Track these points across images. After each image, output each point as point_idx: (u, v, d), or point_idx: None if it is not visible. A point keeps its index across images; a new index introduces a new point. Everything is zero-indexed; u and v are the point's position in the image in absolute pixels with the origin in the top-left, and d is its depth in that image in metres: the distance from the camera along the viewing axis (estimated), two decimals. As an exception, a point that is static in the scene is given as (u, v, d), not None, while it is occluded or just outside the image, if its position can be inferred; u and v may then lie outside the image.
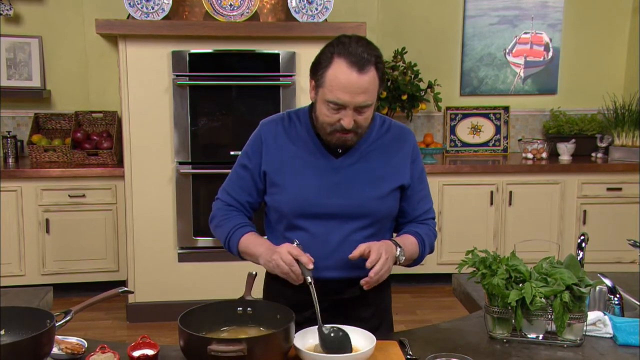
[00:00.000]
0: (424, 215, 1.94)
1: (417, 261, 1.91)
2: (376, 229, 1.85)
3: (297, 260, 1.68)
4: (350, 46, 1.69)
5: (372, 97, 1.71)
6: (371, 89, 1.70)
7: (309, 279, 1.65)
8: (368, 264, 1.69)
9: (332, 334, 1.62)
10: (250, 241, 1.85)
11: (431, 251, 1.95)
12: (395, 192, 1.86)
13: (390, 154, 1.86)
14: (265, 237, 1.93)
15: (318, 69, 1.73)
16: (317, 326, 1.63)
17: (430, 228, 1.94)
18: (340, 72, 1.68)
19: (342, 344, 1.60)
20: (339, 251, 1.79)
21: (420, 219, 1.93)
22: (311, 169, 1.83)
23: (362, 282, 1.71)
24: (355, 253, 1.71)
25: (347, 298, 1.86)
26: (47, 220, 4.22)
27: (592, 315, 1.78)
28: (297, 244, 1.75)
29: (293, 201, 1.83)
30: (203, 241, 4.06)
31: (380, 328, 1.85)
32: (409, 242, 1.86)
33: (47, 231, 4.23)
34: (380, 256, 1.70)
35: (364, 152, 1.84)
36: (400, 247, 1.79)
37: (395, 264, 1.79)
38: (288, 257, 1.69)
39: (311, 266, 1.67)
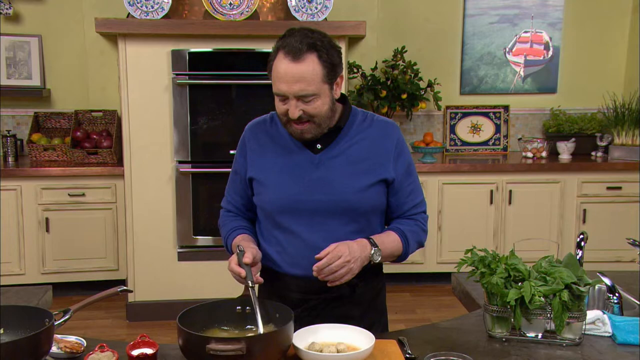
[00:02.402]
0: (412, 209, 1.91)
1: (400, 258, 1.89)
2: (361, 225, 1.84)
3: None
4: (288, 38, 1.73)
5: (311, 86, 1.71)
6: (308, 77, 1.70)
7: (250, 283, 1.69)
8: (319, 263, 1.70)
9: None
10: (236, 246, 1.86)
11: (420, 246, 1.93)
12: (378, 186, 1.84)
13: (371, 148, 1.85)
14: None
15: (269, 65, 1.78)
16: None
17: (418, 223, 1.91)
18: (278, 63, 1.73)
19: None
20: (324, 248, 1.78)
21: (409, 214, 1.91)
22: (291, 166, 1.84)
23: (313, 268, 1.71)
24: (322, 253, 1.71)
25: (335, 296, 1.86)
26: (47, 219, 4.22)
27: (591, 314, 1.78)
28: (237, 252, 1.75)
29: (275, 199, 1.84)
30: (203, 240, 4.06)
31: (373, 328, 1.85)
32: (389, 239, 1.84)
33: (47, 230, 4.23)
34: (340, 257, 1.69)
35: (344, 147, 1.84)
36: (376, 246, 1.78)
37: (369, 263, 1.78)
38: (232, 267, 1.74)
39: (244, 274, 1.69)
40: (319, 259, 1.70)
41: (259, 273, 1.81)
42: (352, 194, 1.81)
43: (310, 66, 1.70)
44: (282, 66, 1.71)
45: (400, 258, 1.90)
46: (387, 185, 1.87)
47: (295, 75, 1.69)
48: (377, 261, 1.80)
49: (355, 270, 1.73)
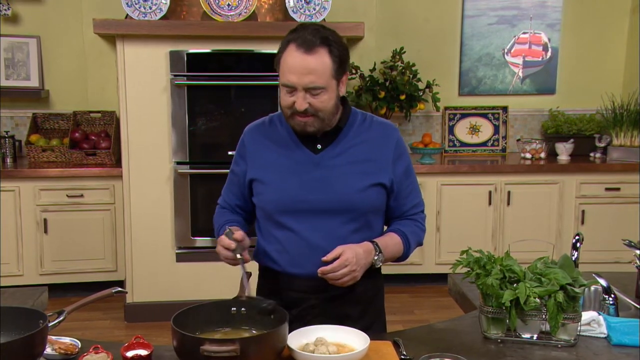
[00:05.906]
0: (412, 210, 1.95)
1: (400, 259, 1.94)
2: (361, 223, 1.86)
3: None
4: (300, 32, 1.75)
5: (321, 79, 1.73)
6: (319, 70, 1.72)
7: (238, 255, 1.75)
8: (325, 267, 1.72)
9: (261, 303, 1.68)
10: None
11: (419, 245, 1.98)
12: (378, 187, 1.86)
13: (371, 150, 1.87)
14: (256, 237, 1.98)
15: (277, 57, 1.79)
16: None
17: (417, 224, 1.96)
18: (289, 55, 1.74)
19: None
20: (324, 247, 1.79)
21: (409, 214, 1.95)
22: (292, 166, 1.85)
23: (319, 270, 1.74)
24: (329, 256, 1.73)
25: (335, 295, 1.86)
26: (45, 220, 4.22)
27: (587, 315, 1.78)
28: (227, 231, 1.78)
29: (276, 199, 1.85)
30: (201, 241, 4.06)
31: (372, 328, 1.85)
32: (392, 242, 1.88)
33: (45, 231, 4.23)
34: (346, 264, 1.71)
35: (344, 148, 1.86)
36: (380, 252, 1.82)
37: (370, 267, 1.82)
38: (223, 242, 1.77)
39: (233, 246, 1.74)
40: (326, 262, 1.72)
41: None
42: (353, 194, 1.82)
43: (322, 59, 1.72)
44: (294, 58, 1.72)
45: (399, 259, 1.93)
46: (386, 188, 1.88)
47: (307, 67, 1.71)
48: (378, 266, 1.83)
49: (359, 277, 1.76)
